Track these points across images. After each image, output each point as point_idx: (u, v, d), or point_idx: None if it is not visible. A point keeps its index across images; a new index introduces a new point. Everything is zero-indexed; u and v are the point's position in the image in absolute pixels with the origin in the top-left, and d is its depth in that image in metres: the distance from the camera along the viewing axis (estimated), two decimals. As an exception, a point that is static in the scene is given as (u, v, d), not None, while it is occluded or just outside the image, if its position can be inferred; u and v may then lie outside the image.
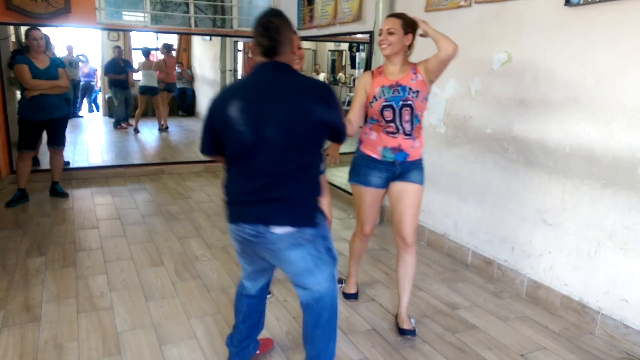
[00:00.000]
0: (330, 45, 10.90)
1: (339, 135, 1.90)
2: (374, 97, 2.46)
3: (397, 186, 2.55)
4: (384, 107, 2.42)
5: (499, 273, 3.21)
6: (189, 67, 10.88)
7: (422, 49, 2.64)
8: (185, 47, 10.97)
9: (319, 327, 1.94)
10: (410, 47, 2.47)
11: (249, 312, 2.16)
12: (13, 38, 6.14)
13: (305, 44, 10.69)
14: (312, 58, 11.28)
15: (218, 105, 1.77)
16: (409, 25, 2.41)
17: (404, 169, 2.52)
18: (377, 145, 2.50)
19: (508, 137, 3.07)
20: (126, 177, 5.69)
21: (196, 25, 6.07)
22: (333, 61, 11.43)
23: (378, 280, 3.19)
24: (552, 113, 2.78)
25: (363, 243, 2.83)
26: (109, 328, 2.53)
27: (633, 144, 2.40)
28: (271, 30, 1.73)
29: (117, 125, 8.81)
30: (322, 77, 10.29)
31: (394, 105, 2.41)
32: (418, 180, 2.53)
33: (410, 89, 2.41)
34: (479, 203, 3.34)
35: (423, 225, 3.86)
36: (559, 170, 2.77)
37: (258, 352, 2.30)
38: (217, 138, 1.80)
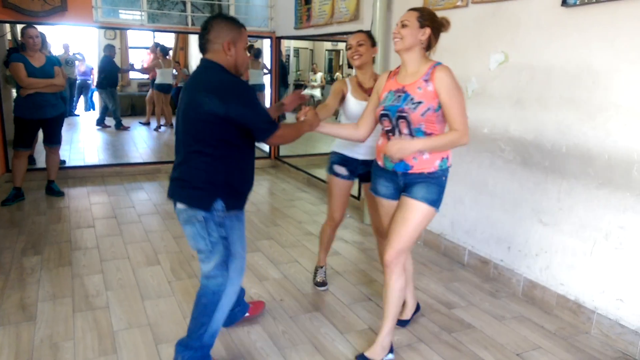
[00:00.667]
0: (328, 45, 10.90)
1: (253, 134, 2.01)
2: (380, 102, 2.24)
3: (401, 200, 2.24)
4: (382, 115, 2.20)
5: (495, 273, 3.22)
6: (186, 66, 10.85)
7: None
8: (182, 46, 10.95)
9: (196, 306, 2.12)
10: (430, 45, 2.16)
11: None
12: (9, 36, 6.12)
13: (302, 44, 10.70)
14: (309, 57, 11.28)
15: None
16: (427, 19, 2.11)
17: (407, 181, 2.21)
18: (381, 151, 2.26)
19: (504, 137, 3.08)
20: (122, 176, 5.68)
21: (193, 24, 6.06)
22: (330, 60, 11.43)
23: (375, 280, 3.19)
24: (549, 113, 2.79)
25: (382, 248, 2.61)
26: (105, 327, 2.52)
27: (629, 144, 2.41)
28: (204, 30, 1.98)
29: (119, 126, 8.65)
30: (319, 76, 10.28)
31: (390, 115, 2.16)
32: (421, 196, 2.15)
33: (412, 98, 2.11)
34: (476, 203, 3.35)
35: (420, 225, 3.86)
36: (555, 170, 2.78)
37: (248, 314, 2.33)
38: None
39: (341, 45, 10.05)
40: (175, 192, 2.05)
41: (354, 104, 2.69)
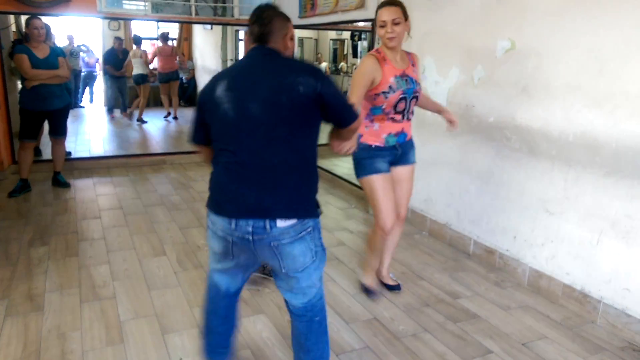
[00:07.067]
0: (332, 34, 10.82)
1: (341, 117, 1.74)
2: (390, 87, 2.41)
3: (398, 170, 2.65)
4: (401, 99, 2.45)
5: (501, 262, 3.21)
6: (190, 57, 10.81)
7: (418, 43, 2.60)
8: (186, 36, 10.90)
9: (312, 334, 1.85)
10: (408, 33, 2.48)
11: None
12: (14, 27, 6.12)
13: (307, 33, 10.62)
14: (313, 47, 11.20)
15: (207, 90, 1.75)
16: (405, 11, 2.42)
17: (404, 150, 2.62)
18: (381, 133, 2.53)
19: (511, 125, 3.05)
20: (128, 167, 5.70)
21: (197, 14, 6.04)
22: (335, 50, 11.35)
23: (380, 270, 3.19)
24: (556, 101, 2.76)
25: (385, 240, 2.76)
26: (112, 317, 2.54)
27: (637, 132, 2.38)
28: (264, 18, 1.76)
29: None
30: (323, 66, 10.22)
31: (407, 97, 2.47)
32: (414, 159, 2.71)
33: (416, 81, 2.52)
34: (481, 192, 3.33)
35: (425, 215, 3.86)
36: (561, 158, 2.76)
37: None
38: (205, 126, 1.80)
39: (346, 35, 9.97)
40: (277, 207, 1.65)
41: None
